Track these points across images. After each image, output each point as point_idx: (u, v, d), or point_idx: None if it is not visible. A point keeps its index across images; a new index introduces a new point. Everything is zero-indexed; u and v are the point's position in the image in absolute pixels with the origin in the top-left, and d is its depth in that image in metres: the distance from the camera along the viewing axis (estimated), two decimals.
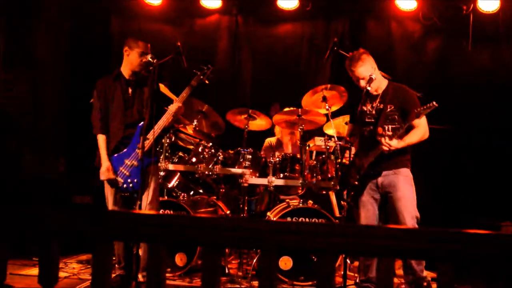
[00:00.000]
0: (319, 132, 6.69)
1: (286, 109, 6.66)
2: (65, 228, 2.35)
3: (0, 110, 7.41)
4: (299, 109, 6.25)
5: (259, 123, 6.68)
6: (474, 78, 7.91)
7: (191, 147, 6.33)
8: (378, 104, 5.14)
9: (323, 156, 6.22)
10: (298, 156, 6.19)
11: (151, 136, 5.11)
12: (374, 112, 5.15)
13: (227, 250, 6.26)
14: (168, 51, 6.20)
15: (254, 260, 5.91)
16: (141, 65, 5.38)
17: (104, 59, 8.57)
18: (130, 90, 5.42)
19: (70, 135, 8.37)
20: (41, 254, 2.36)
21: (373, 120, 5.14)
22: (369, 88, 5.09)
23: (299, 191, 6.36)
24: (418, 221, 5.03)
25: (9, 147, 7.37)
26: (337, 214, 6.79)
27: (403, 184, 5.05)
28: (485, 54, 7.99)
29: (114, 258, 5.61)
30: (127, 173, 5.26)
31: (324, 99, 6.29)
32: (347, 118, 6.37)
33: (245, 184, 6.01)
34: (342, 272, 5.07)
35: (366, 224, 4.85)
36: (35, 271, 5.67)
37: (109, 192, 5.37)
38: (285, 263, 5.74)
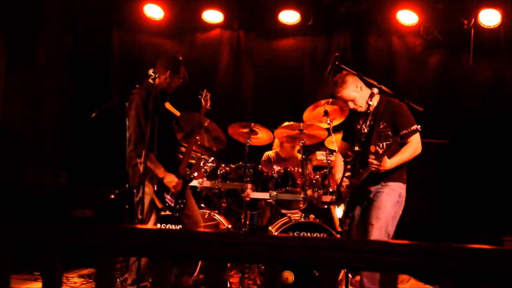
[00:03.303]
0: (321, 146, 6.70)
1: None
2: (68, 242, 2.34)
3: (1, 124, 7.42)
4: (301, 123, 6.25)
5: (261, 137, 6.68)
6: (474, 93, 7.94)
7: (193, 161, 6.32)
8: (370, 122, 5.02)
9: (325, 170, 6.21)
10: (300, 170, 6.18)
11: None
12: (366, 130, 5.03)
13: (228, 265, 6.24)
14: None
15: (256, 275, 5.89)
16: (174, 88, 5.58)
17: (105, 73, 8.61)
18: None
19: (71, 148, 8.39)
20: (44, 268, 2.35)
21: (365, 139, 5.02)
22: (357, 108, 5.10)
23: (301, 206, 6.35)
24: (389, 238, 4.83)
25: (9, 160, 7.37)
26: (338, 228, 6.77)
27: (386, 196, 4.88)
28: (486, 68, 8.01)
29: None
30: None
31: (326, 113, 6.31)
32: None
33: (247, 199, 6.01)
34: (344, 287, 5.06)
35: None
36: (37, 285, 5.66)
37: (153, 210, 5.37)
38: (287, 277, 5.72)
